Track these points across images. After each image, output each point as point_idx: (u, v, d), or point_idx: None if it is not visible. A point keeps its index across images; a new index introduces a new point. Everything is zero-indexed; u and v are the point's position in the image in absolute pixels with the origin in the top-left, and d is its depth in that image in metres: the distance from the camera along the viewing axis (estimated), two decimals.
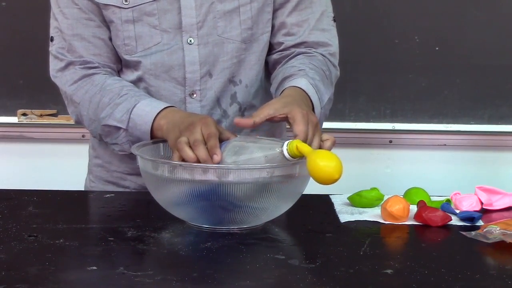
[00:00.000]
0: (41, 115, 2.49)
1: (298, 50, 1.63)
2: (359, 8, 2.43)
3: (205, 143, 1.33)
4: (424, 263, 1.21)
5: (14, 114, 2.49)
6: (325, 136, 1.39)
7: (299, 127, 1.35)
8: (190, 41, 1.58)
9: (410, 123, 2.51)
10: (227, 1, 1.58)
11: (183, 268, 1.19)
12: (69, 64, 1.59)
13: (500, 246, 1.29)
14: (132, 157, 1.60)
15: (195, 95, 1.60)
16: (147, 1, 1.56)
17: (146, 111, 1.50)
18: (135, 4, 1.56)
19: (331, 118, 2.40)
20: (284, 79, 1.57)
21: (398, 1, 2.44)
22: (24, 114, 2.49)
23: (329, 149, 1.37)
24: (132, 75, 1.61)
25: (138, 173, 1.63)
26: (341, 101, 2.46)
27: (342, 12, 2.40)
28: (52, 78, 1.62)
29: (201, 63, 1.59)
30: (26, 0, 2.44)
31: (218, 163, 1.31)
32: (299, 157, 1.28)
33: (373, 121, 2.50)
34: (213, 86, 1.60)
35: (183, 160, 1.33)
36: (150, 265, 1.21)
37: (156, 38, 1.58)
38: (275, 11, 1.63)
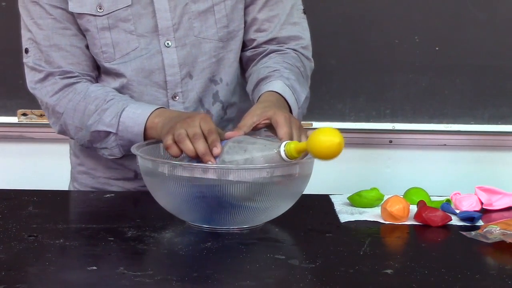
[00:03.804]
0: (41, 115, 2.48)
1: (270, 47, 1.63)
2: (359, 8, 2.43)
3: (205, 138, 1.33)
4: (424, 263, 1.21)
5: (14, 114, 2.49)
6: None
7: (283, 129, 1.35)
8: (168, 44, 1.57)
9: (410, 123, 2.50)
10: (200, 1, 1.58)
11: (183, 268, 1.19)
12: (48, 75, 1.57)
13: (500, 246, 1.29)
14: (117, 162, 1.61)
15: (177, 97, 1.59)
16: (121, 7, 1.55)
17: (137, 113, 1.50)
18: (110, 11, 1.55)
19: (331, 118, 2.42)
20: (260, 80, 1.57)
21: (398, 1, 2.44)
22: (24, 114, 2.49)
23: None
24: (114, 82, 1.60)
25: (124, 178, 1.64)
26: (341, 101, 2.45)
27: (342, 12, 2.41)
28: (31, 90, 1.60)
29: (180, 65, 1.58)
30: None
31: (217, 155, 1.31)
32: (296, 158, 1.28)
33: (373, 121, 2.50)
34: (195, 87, 1.60)
35: (181, 151, 1.33)
36: (150, 265, 1.21)
37: (133, 44, 1.57)
38: (246, 7, 1.63)
